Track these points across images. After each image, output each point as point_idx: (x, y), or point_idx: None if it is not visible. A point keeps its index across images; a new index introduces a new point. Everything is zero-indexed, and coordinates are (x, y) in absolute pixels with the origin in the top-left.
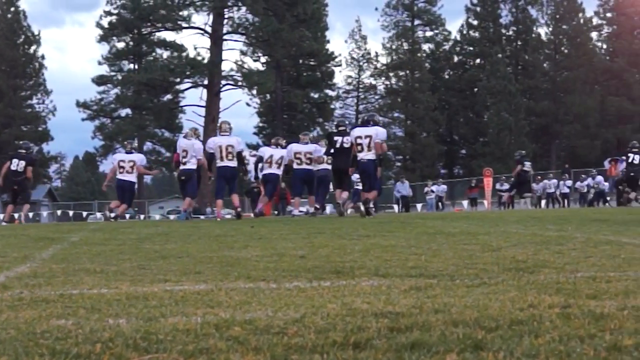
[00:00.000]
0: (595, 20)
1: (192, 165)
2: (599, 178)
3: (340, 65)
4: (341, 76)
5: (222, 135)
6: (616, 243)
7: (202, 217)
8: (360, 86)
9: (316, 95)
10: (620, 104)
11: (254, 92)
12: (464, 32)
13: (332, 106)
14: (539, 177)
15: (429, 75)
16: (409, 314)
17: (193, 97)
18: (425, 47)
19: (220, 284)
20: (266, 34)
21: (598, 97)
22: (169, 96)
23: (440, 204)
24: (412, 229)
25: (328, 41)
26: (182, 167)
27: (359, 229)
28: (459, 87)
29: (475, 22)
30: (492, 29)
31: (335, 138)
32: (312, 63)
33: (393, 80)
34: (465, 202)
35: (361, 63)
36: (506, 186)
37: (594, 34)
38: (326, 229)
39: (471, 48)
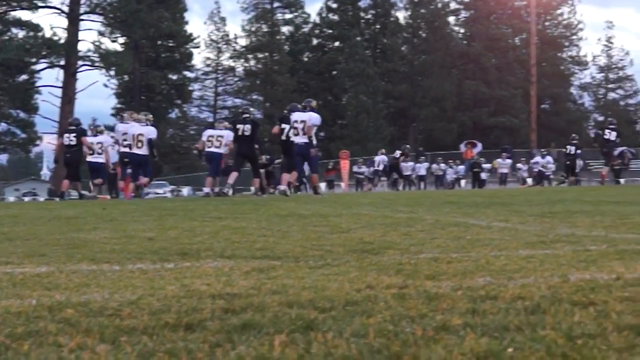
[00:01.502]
0: (452, 5)
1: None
2: (549, 158)
3: (198, 47)
4: (200, 58)
5: (140, 123)
6: (463, 225)
7: (57, 199)
8: (219, 68)
9: (175, 77)
10: (477, 87)
11: (112, 73)
12: (323, 15)
13: (190, 88)
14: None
15: (288, 57)
16: (245, 295)
17: (49, 77)
18: (285, 29)
19: (63, 267)
20: (124, 15)
21: (455, 80)
22: (24, 76)
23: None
24: (265, 210)
25: (187, 22)
26: (133, 150)
27: (212, 211)
28: (317, 70)
29: (334, 5)
30: (351, 12)
31: (238, 126)
32: (170, 44)
33: (252, 63)
34: (323, 185)
35: (220, 45)
36: (364, 169)
37: (451, 19)
38: (178, 210)
39: (330, 31)
